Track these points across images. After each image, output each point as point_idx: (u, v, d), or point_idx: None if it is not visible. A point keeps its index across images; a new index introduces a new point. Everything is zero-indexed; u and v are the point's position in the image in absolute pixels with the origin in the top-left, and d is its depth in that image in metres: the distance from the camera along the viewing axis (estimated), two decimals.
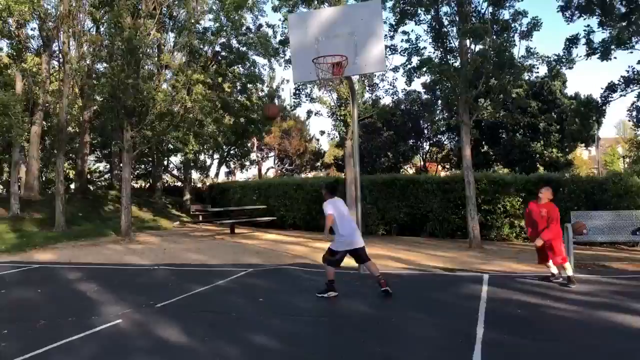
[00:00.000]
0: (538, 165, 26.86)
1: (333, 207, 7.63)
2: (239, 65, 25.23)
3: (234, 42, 23.87)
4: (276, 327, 5.96)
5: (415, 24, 15.16)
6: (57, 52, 22.53)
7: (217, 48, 23.62)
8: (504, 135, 27.80)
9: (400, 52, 15.74)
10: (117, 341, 5.52)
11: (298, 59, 10.05)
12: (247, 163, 39.81)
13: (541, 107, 26.42)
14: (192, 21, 18.64)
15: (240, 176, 44.19)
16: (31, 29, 32.70)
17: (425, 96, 29.19)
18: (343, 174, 31.24)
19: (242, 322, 6.21)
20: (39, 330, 6.01)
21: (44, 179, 31.27)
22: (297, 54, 10.10)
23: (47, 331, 5.94)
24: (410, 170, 35.41)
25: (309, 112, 17.92)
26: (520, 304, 6.83)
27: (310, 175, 41.99)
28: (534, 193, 15.35)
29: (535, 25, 13.47)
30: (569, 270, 8.02)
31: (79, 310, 6.93)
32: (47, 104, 23.43)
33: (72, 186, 30.23)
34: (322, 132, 34.92)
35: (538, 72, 16.17)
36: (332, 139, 29.55)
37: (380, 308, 6.82)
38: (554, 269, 8.30)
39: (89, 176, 32.04)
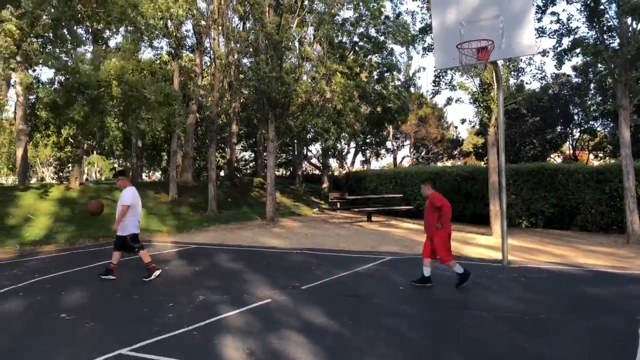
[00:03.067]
0: None
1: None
2: (376, 55, 25.30)
3: (372, 32, 23.98)
4: (418, 317, 5.97)
5: (567, 3, 14.08)
6: (208, 49, 24.33)
7: (355, 38, 23.89)
8: None
9: (549, 35, 14.77)
10: (269, 319, 5.89)
11: (440, 45, 9.86)
12: (383, 151, 39.92)
13: None
14: (332, 13, 19.02)
15: (375, 164, 44.48)
16: (186, 30, 35.47)
17: (576, 79, 27.05)
18: (483, 163, 30.08)
19: (383, 309, 6.30)
20: (199, 305, 6.61)
21: (197, 166, 34.05)
22: (439, 40, 9.91)
23: (206, 306, 6.51)
24: (557, 159, 33.12)
25: (449, 99, 17.51)
26: None
27: (448, 163, 40.99)
28: None
29: None
30: None
31: (232, 289, 7.50)
32: (200, 97, 25.42)
33: (221, 173, 32.59)
34: (463, 120, 33.72)
35: None
36: (472, 126, 28.58)
37: (527, 303, 6.52)
38: None
39: (236, 164, 34.22)
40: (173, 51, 22.50)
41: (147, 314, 6.18)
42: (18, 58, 14.69)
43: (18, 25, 13.45)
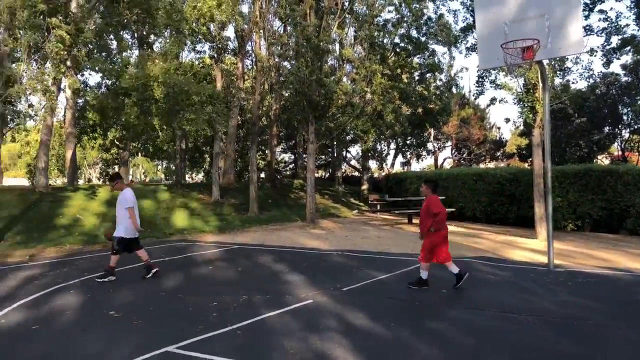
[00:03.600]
0: None
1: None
2: (418, 56, 25.09)
3: (413, 33, 23.79)
4: (462, 320, 5.88)
5: (616, 1, 13.67)
6: (250, 52, 24.65)
7: (397, 39, 23.76)
8: None
9: (597, 33, 14.38)
10: (311, 320, 5.92)
11: (484, 45, 9.70)
12: (424, 153, 39.52)
13: None
14: (373, 14, 18.99)
15: (415, 166, 44.07)
16: (227, 35, 35.98)
17: (626, 78, 26.13)
18: (527, 164, 29.43)
19: (426, 312, 6.25)
20: (242, 304, 6.70)
21: (237, 168, 34.52)
22: (483, 40, 9.76)
23: (249, 306, 6.60)
24: (605, 160, 32.07)
25: (493, 100, 17.24)
26: None
27: (491, 165, 40.24)
28: None
29: None
30: None
31: (274, 289, 7.58)
32: (241, 100, 25.78)
33: (262, 175, 32.94)
34: (507, 120, 33.05)
35: None
36: (516, 127, 27.99)
37: (574, 307, 6.35)
38: None
39: (276, 166, 34.54)
40: (215, 55, 22.89)
41: (191, 312, 6.31)
42: (68, 63, 15.24)
43: (69, 31, 13.96)
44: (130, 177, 42.17)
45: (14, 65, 13.50)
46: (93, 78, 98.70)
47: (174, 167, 34.87)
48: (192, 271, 9.25)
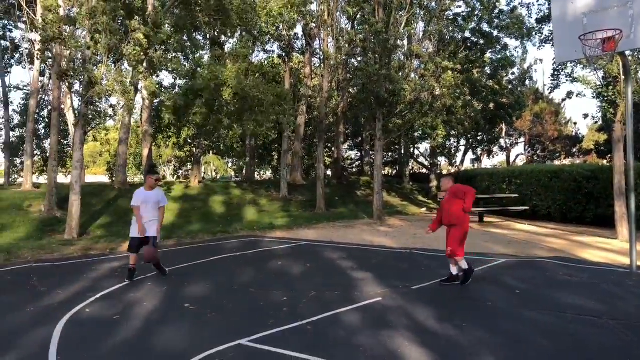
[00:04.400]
0: None
1: None
2: (490, 50, 24.41)
3: (485, 27, 23.17)
4: (537, 322, 5.69)
5: None
6: (318, 50, 24.82)
7: (467, 34, 23.21)
8: None
9: None
10: (380, 318, 5.92)
11: (561, 37, 9.30)
12: (495, 149, 38.43)
13: None
14: (442, 9, 18.65)
15: (486, 163, 42.88)
16: (295, 34, 36.34)
17: None
18: (606, 161, 27.95)
19: (499, 313, 6.09)
20: (311, 300, 6.79)
21: (305, 165, 34.90)
22: (559, 32, 9.36)
23: (318, 302, 6.68)
24: None
25: (570, 93, 16.48)
26: None
27: (566, 162, 38.55)
28: None
29: None
30: None
31: (343, 286, 7.63)
32: (309, 98, 26.02)
33: (329, 172, 33.12)
34: (586, 115, 31.33)
35: None
36: (595, 122, 26.68)
37: None
38: None
39: (342, 163, 34.63)
40: (284, 54, 23.22)
41: (263, 307, 6.47)
42: (144, 65, 15.94)
43: (146, 33, 14.59)
44: (202, 175, 43.58)
45: (95, 67, 14.28)
46: (167, 79, 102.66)
47: (243, 165, 35.71)
48: (262, 266, 9.46)
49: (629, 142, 9.15)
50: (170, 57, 17.64)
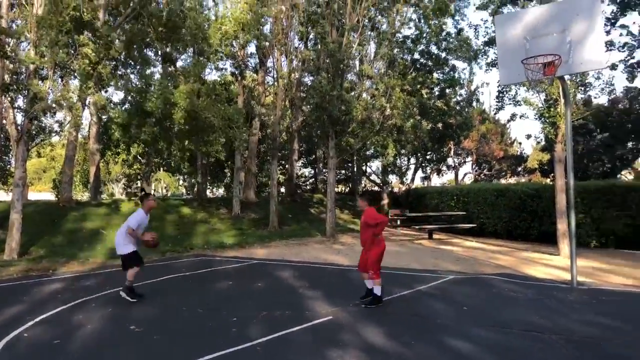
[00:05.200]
0: None
1: None
2: (438, 71, 25.10)
3: (433, 49, 23.84)
4: (484, 339, 5.82)
5: (639, 14, 13.60)
6: (271, 69, 24.89)
7: (416, 55, 23.81)
8: None
9: (619, 48, 14.28)
10: (331, 337, 5.92)
11: (505, 61, 9.70)
12: (444, 168, 39.30)
13: None
14: (392, 31, 19.09)
15: (435, 181, 43.79)
16: (250, 53, 36.34)
17: None
18: (549, 180, 29.05)
19: (447, 330, 6.19)
20: (262, 320, 6.72)
21: (258, 183, 34.70)
22: (503, 56, 9.75)
23: (268, 322, 6.62)
24: (629, 176, 31.52)
25: (513, 115, 17.21)
26: None
27: (512, 180, 39.84)
28: None
29: None
30: None
31: (294, 305, 7.59)
32: (262, 116, 26.00)
33: (282, 190, 33.03)
34: (529, 136, 32.67)
35: None
36: (538, 142, 27.72)
37: (599, 326, 6.23)
38: None
39: (296, 181, 34.64)
40: (237, 72, 23.16)
41: (211, 328, 6.36)
42: (93, 80, 15.57)
43: (94, 49, 14.28)
44: (152, 192, 42.63)
45: (40, 82, 13.84)
46: (117, 95, 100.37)
47: (195, 182, 35.20)
48: (212, 286, 9.31)
49: (569, 162, 9.56)
50: (120, 74, 17.33)
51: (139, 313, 7.17)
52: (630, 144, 27.97)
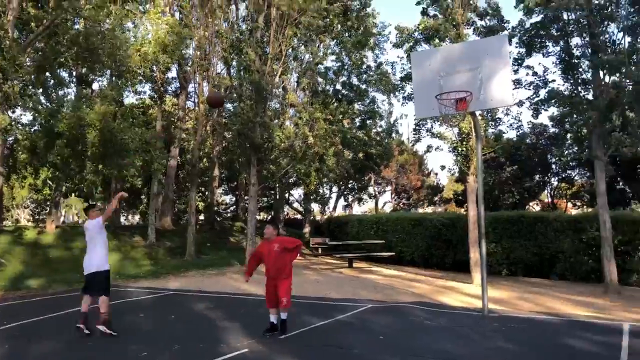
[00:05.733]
0: None
1: None
2: (359, 102, 25.73)
3: (354, 80, 24.46)
4: None
5: (543, 56, 14.65)
6: (192, 94, 24.53)
7: (338, 86, 24.31)
8: None
9: (525, 86, 15.27)
10: None
11: (420, 95, 10.07)
12: (365, 197, 40.05)
13: None
14: (315, 62, 19.42)
15: (357, 210, 44.49)
16: (171, 77, 35.69)
17: (553, 129, 27.67)
18: (463, 210, 30.30)
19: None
20: (174, 354, 6.42)
21: (176, 210, 33.72)
22: (419, 91, 10.13)
23: (181, 356, 6.33)
24: (536, 207, 33.51)
25: (429, 147, 17.87)
26: None
27: (429, 210, 41.20)
28: None
29: None
30: None
31: (209, 337, 7.32)
32: (182, 141, 25.44)
33: (201, 217, 32.26)
34: (443, 167, 34.04)
35: None
36: (452, 174, 28.89)
37: (508, 353, 6.44)
38: None
39: (216, 208, 34.01)
40: (156, 95, 22.60)
41: None
42: None
43: (1, 67, 13.44)
44: (62, 219, 40.39)
45: None
46: (26, 116, 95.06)
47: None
48: (122, 318, 8.79)
49: (480, 193, 9.99)
50: (29, 94, 16.37)
51: (39, 350, 6.63)
52: (537, 177, 29.81)
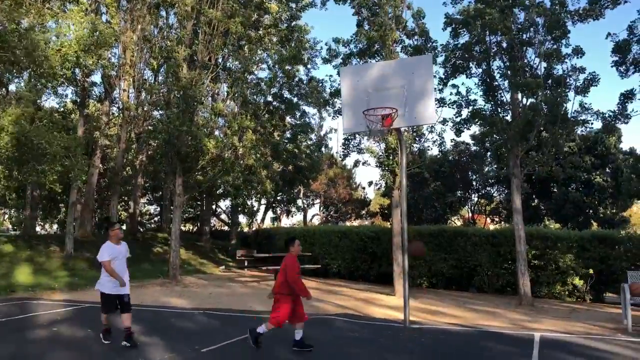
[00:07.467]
0: (592, 222, 25.98)
1: None
2: (290, 115, 25.84)
3: (285, 93, 24.55)
4: None
5: (466, 77, 15.33)
6: (117, 100, 23.73)
7: (269, 98, 24.33)
8: (555, 190, 27.10)
9: (449, 105, 15.88)
10: None
11: (348, 111, 10.26)
12: (293, 209, 40.13)
13: (595, 162, 25.75)
14: (245, 73, 19.32)
15: (285, 222, 44.49)
16: (94, 81, 34.43)
17: (474, 148, 28.98)
18: (389, 223, 31.01)
19: None
20: None
21: (97, 219, 32.36)
22: (347, 106, 10.32)
23: None
24: (457, 222, 34.84)
25: (357, 162, 18.11)
26: None
27: (356, 223, 41.83)
28: (588, 249, 14.92)
29: (592, 80, 13.46)
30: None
31: (127, 352, 7.05)
32: (105, 148, 24.50)
33: (124, 227, 31.09)
34: (370, 183, 34.78)
35: (592, 127, 15.96)
36: (378, 188, 29.55)
37: None
38: None
39: (139, 218, 32.96)
40: (78, 99, 21.68)
41: None
42: None
43: None
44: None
45: None
46: None
47: (23, 217, 31.80)
48: (33, 334, 8.32)
49: (403, 208, 10.27)
50: None
51: None
52: (459, 193, 31.05)
